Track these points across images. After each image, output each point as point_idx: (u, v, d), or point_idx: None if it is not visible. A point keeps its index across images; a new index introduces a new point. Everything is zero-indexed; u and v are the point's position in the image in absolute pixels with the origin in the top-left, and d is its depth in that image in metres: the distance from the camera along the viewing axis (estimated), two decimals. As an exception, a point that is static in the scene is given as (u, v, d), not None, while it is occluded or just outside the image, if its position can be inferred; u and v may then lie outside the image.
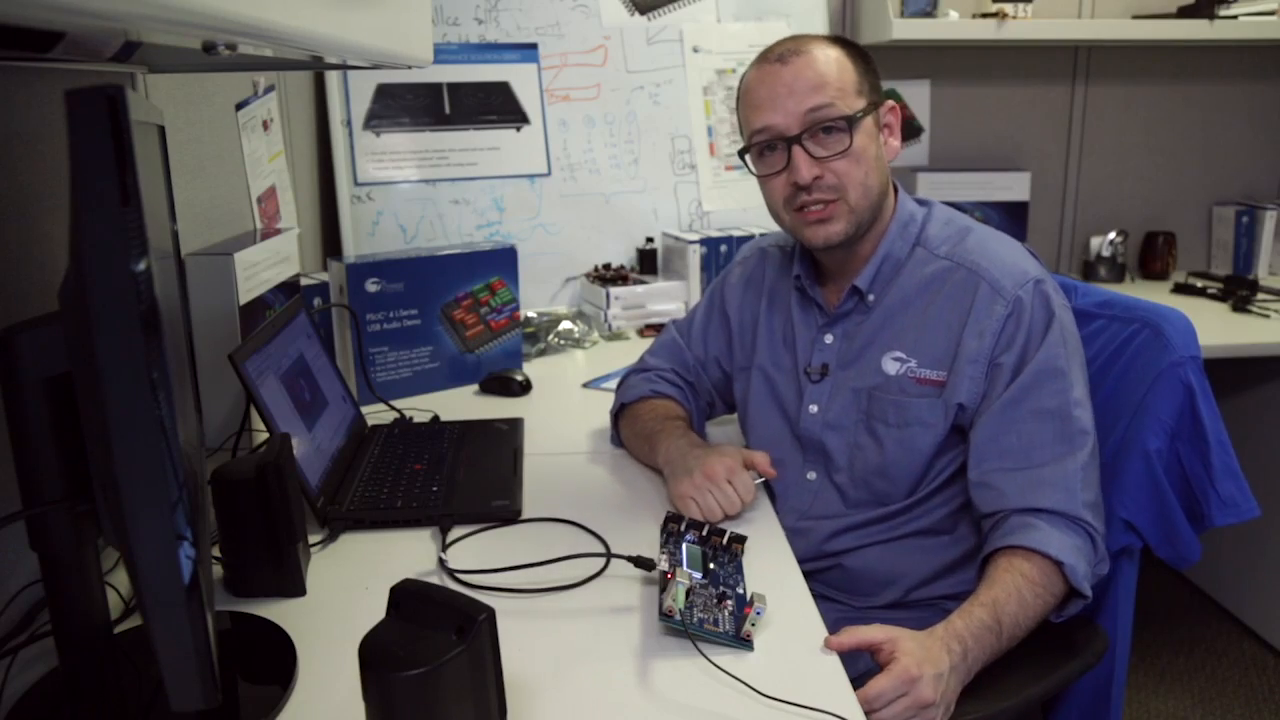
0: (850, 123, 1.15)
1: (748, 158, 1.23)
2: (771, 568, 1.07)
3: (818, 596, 1.02)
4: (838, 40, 1.21)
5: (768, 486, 1.27)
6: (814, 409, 1.25)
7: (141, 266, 0.58)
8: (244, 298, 1.36)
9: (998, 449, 1.11)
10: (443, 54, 2.15)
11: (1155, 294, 2.21)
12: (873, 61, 1.22)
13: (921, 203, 1.27)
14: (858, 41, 1.31)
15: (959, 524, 1.20)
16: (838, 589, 1.24)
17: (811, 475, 1.27)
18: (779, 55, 1.18)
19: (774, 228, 1.30)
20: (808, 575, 1.07)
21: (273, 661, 0.89)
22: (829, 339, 1.26)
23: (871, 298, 1.22)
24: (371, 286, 1.61)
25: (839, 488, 1.24)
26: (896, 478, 1.19)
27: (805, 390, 1.26)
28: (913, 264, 1.21)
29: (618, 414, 1.40)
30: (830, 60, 1.17)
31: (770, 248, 1.38)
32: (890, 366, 1.19)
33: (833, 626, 0.95)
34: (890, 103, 1.22)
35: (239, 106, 1.65)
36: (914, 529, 1.20)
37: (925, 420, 1.17)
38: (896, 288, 1.21)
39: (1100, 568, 1.11)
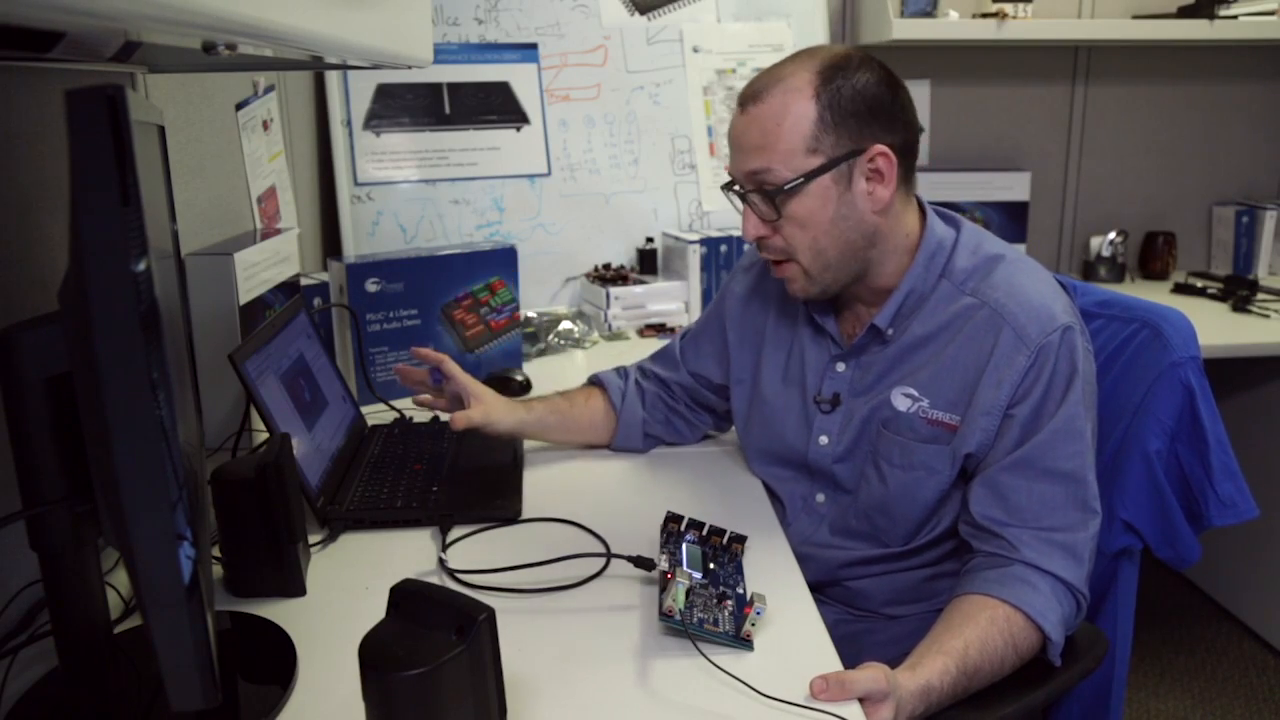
0: (779, 192, 1.08)
1: (730, 195, 1.18)
2: (771, 568, 1.07)
3: (817, 601, 1.02)
4: (822, 71, 1.07)
5: (776, 500, 1.27)
6: (824, 440, 1.21)
7: (141, 266, 0.58)
8: (244, 298, 1.36)
9: (1005, 505, 1.06)
10: (443, 54, 2.15)
11: (1155, 294, 2.21)
12: (866, 94, 1.07)
13: (948, 221, 1.18)
14: (857, 45, 1.18)
15: (958, 561, 1.15)
16: (836, 600, 1.24)
17: (820, 498, 1.24)
18: (742, 99, 1.11)
19: None
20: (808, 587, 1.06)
21: (273, 661, 0.89)
22: (841, 367, 1.20)
23: (890, 332, 1.15)
24: (371, 286, 1.61)
25: (845, 516, 1.21)
26: (896, 517, 1.15)
27: (814, 419, 1.22)
28: (936, 298, 1.14)
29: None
30: (783, 113, 1.07)
31: None
32: (901, 403, 1.13)
33: (831, 629, 0.96)
34: (877, 148, 1.08)
35: (239, 106, 1.65)
36: (914, 565, 1.18)
37: (931, 466, 1.12)
38: (917, 322, 1.14)
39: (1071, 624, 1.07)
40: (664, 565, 0.98)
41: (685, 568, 0.97)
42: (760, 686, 0.83)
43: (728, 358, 1.34)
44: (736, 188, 1.16)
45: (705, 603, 0.94)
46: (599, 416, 1.39)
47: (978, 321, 1.10)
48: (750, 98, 1.10)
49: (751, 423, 1.30)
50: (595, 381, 1.43)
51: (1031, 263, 1.16)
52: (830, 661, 0.90)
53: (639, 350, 1.93)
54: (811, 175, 1.08)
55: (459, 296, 1.71)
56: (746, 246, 2.06)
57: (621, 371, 1.44)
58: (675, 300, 2.13)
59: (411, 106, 2.14)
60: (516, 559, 1.05)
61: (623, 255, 2.28)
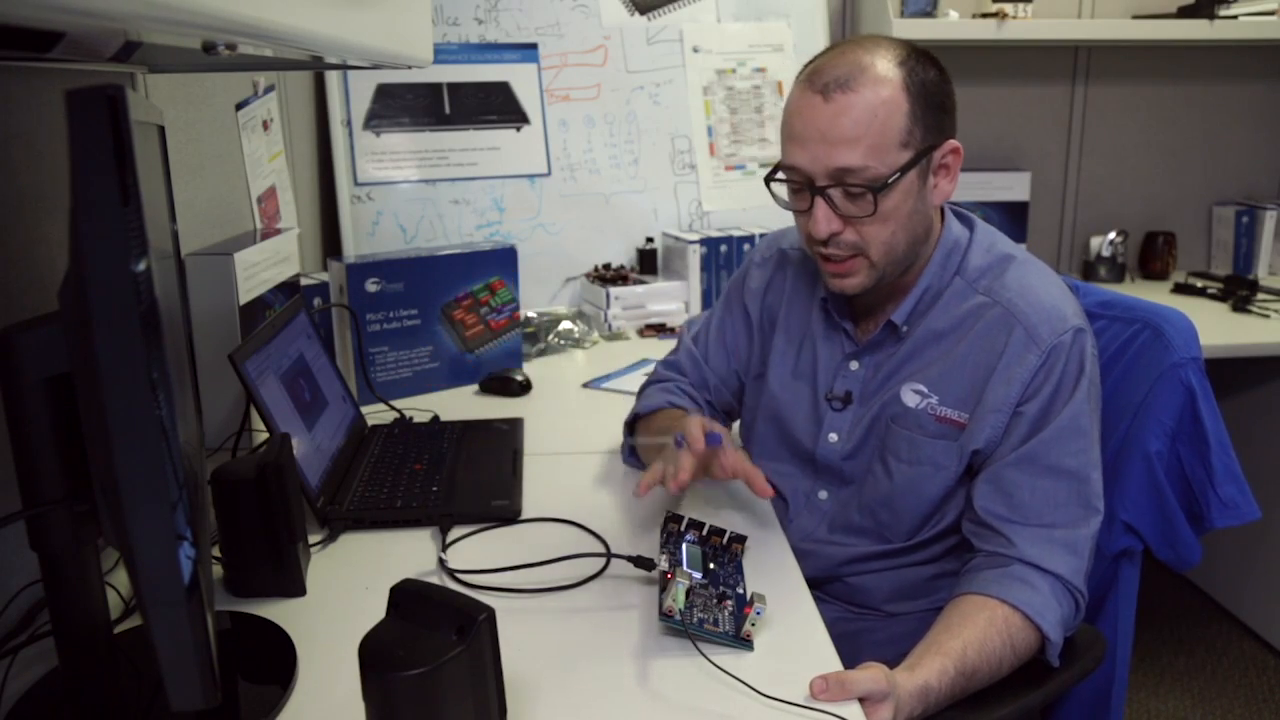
0: (879, 189, 1.04)
1: (773, 186, 1.13)
2: (771, 567, 1.07)
3: (817, 599, 1.02)
4: (903, 62, 1.05)
5: (778, 497, 1.27)
6: (834, 438, 1.21)
7: (141, 266, 0.58)
8: (244, 298, 1.36)
9: (1008, 501, 1.06)
10: (443, 54, 2.15)
11: (1155, 294, 2.21)
12: (940, 88, 1.07)
13: (963, 220, 1.18)
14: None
15: (959, 559, 1.15)
16: (836, 597, 1.24)
17: (823, 495, 1.24)
18: (824, 85, 1.04)
19: (778, 225, 1.28)
20: (808, 584, 1.06)
21: (273, 661, 0.89)
22: (854, 366, 1.19)
23: (905, 329, 1.15)
24: (371, 286, 1.61)
25: (848, 512, 1.21)
26: (900, 512, 1.15)
27: (825, 417, 1.21)
28: (949, 295, 1.14)
29: (632, 424, 1.34)
30: (877, 105, 1.02)
31: (790, 250, 1.31)
32: (910, 399, 1.14)
33: (831, 627, 0.96)
34: (952, 143, 1.08)
35: (239, 106, 1.65)
36: (915, 561, 1.18)
37: (938, 462, 1.12)
38: (930, 318, 1.14)
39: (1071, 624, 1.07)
40: (664, 565, 0.98)
41: (685, 568, 0.97)
42: (760, 686, 0.83)
43: (749, 354, 1.33)
44: (781, 176, 1.11)
45: (705, 603, 0.94)
46: None
47: (989, 320, 1.11)
48: (837, 86, 1.03)
49: (758, 418, 1.30)
50: (677, 406, 1.31)
51: (1041, 264, 1.16)
52: (830, 661, 0.90)
53: (639, 350, 1.93)
54: (905, 170, 1.05)
55: (459, 296, 1.71)
56: (747, 247, 2.07)
57: (679, 390, 1.35)
58: (675, 300, 2.13)
59: (411, 106, 2.14)
60: (516, 559, 1.05)
61: (623, 255, 2.28)
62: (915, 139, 1.05)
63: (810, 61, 1.10)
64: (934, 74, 1.07)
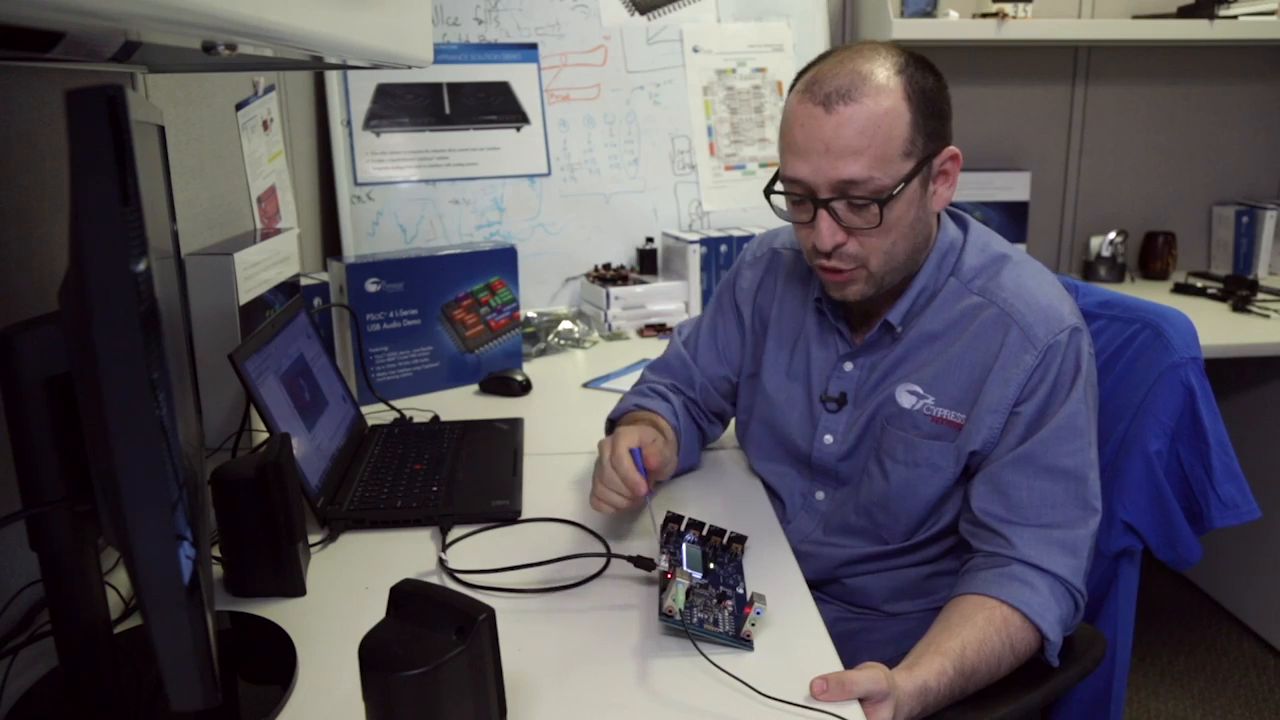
0: (884, 200, 1.04)
1: (772, 198, 1.12)
2: (771, 567, 1.07)
3: (816, 599, 1.02)
4: (902, 70, 1.04)
5: (775, 499, 1.27)
6: (829, 439, 1.20)
7: (141, 266, 0.58)
8: (244, 298, 1.36)
9: (1006, 501, 1.06)
10: (443, 54, 2.15)
11: (1155, 294, 2.21)
12: (939, 94, 1.07)
13: (958, 220, 1.18)
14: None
15: (957, 558, 1.15)
16: (835, 597, 1.24)
17: (820, 495, 1.24)
18: (825, 96, 1.03)
19: (777, 223, 1.28)
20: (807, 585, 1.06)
21: (273, 661, 0.89)
22: (849, 367, 1.19)
23: (900, 329, 1.15)
24: (371, 286, 1.61)
25: (844, 512, 1.21)
26: (897, 513, 1.15)
27: (820, 418, 1.21)
28: (944, 296, 1.14)
29: (611, 429, 1.33)
30: (880, 116, 1.02)
31: (783, 249, 1.31)
32: (905, 400, 1.14)
33: (830, 627, 0.96)
34: (951, 150, 1.08)
35: (239, 106, 1.65)
36: (913, 562, 1.18)
37: (935, 463, 1.12)
38: (924, 319, 1.14)
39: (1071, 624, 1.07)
40: (664, 565, 0.98)
41: (685, 568, 0.97)
42: (760, 686, 0.83)
43: (742, 355, 1.33)
44: (780, 188, 1.11)
45: (705, 603, 0.94)
46: (675, 441, 1.29)
47: (985, 320, 1.11)
48: (838, 97, 1.02)
49: (753, 419, 1.30)
50: (644, 408, 1.30)
51: (1036, 264, 1.16)
52: (830, 661, 0.90)
53: (639, 350, 1.93)
54: (908, 180, 1.05)
55: (459, 296, 1.71)
56: (746, 245, 2.06)
57: (650, 390, 1.35)
58: (675, 300, 2.13)
59: (411, 106, 2.14)
60: (516, 559, 1.05)
61: (623, 255, 2.28)
62: (917, 148, 1.05)
63: (805, 70, 1.10)
64: (932, 80, 1.07)
